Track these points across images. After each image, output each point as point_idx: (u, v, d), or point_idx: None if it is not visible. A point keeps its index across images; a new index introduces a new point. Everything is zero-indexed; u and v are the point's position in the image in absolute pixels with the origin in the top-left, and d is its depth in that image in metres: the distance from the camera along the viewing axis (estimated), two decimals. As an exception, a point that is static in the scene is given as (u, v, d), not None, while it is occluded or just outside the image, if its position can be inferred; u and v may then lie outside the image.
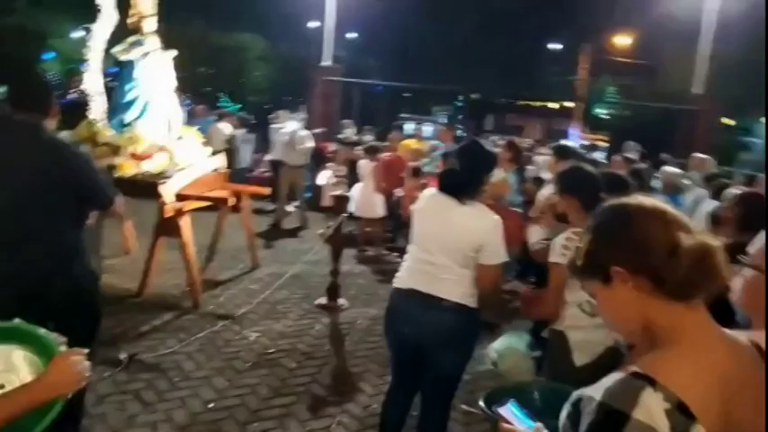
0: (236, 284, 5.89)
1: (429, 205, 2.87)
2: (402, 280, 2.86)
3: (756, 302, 1.30)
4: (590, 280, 1.23)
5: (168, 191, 5.04)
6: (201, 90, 15.16)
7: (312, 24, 17.30)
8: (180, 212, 5.09)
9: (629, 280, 1.13)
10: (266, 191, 6.79)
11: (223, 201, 5.82)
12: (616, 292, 1.16)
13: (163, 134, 5.63)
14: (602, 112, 19.27)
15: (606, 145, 15.41)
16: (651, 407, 0.99)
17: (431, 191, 2.94)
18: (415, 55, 20.62)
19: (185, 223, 5.15)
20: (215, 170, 5.98)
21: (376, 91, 14.29)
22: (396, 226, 7.98)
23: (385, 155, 7.87)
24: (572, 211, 2.76)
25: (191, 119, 10.36)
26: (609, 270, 1.15)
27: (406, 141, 9.28)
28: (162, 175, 5.21)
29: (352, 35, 20.88)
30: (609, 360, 2.37)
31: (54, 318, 2.67)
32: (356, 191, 7.55)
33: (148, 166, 5.22)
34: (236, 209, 6.12)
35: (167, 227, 5.14)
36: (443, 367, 2.81)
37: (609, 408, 1.02)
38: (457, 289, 2.71)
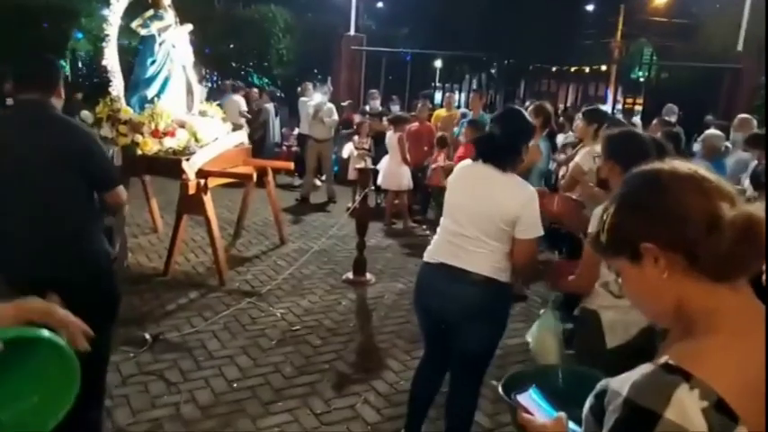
0: (263, 261, 5.85)
1: (464, 175, 2.74)
2: (430, 253, 2.78)
3: None
4: (615, 257, 1.08)
5: (190, 167, 4.98)
6: (228, 65, 15.01)
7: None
8: (202, 189, 5.04)
9: (661, 257, 0.98)
10: (289, 165, 6.69)
11: (248, 177, 5.77)
12: (645, 271, 1.01)
13: (184, 110, 5.57)
14: (638, 74, 18.55)
15: (641, 108, 14.83)
16: (686, 405, 0.86)
17: (466, 161, 2.80)
18: (445, 22, 20.11)
19: (208, 200, 5.10)
20: (237, 145, 5.91)
21: (405, 60, 13.94)
22: (423, 198, 7.84)
23: (412, 125, 7.70)
24: (613, 177, 2.56)
25: (219, 95, 10.33)
26: (637, 246, 1.00)
27: (438, 111, 9.10)
28: (184, 152, 5.17)
29: (380, 4, 20.45)
30: (643, 342, 2.20)
31: (70, 300, 2.64)
32: (383, 163, 7.41)
33: (170, 143, 5.18)
34: (261, 184, 6.06)
35: (190, 204, 5.10)
36: (470, 342, 2.70)
37: (635, 405, 0.88)
38: (487, 263, 2.60)
